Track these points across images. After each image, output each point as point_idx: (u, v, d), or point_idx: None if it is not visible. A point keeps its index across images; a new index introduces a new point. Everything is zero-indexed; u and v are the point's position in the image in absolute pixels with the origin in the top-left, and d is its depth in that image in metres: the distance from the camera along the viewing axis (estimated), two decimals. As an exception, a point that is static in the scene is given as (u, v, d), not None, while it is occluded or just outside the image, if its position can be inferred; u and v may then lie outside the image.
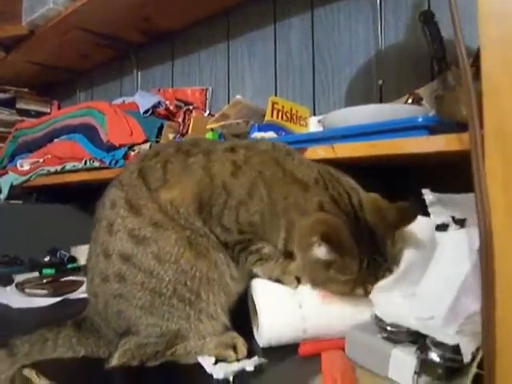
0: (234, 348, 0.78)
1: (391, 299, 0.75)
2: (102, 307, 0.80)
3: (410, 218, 0.78)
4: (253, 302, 0.85)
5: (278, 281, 0.83)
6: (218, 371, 0.72)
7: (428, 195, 0.83)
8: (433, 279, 0.74)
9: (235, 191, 0.80)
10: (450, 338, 0.62)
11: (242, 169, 0.82)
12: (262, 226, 0.81)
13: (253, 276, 0.85)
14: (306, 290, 0.82)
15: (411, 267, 0.77)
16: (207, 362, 0.75)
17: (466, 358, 0.60)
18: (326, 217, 0.76)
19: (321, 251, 0.74)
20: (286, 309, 0.81)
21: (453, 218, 0.84)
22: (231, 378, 0.71)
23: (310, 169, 0.84)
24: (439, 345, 0.63)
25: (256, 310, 0.82)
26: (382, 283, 0.76)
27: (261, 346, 0.82)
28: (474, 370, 0.58)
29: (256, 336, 0.86)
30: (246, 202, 0.80)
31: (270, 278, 0.84)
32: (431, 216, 0.83)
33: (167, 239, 0.77)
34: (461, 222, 0.83)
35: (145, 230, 0.78)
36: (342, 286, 0.78)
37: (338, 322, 0.80)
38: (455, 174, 0.80)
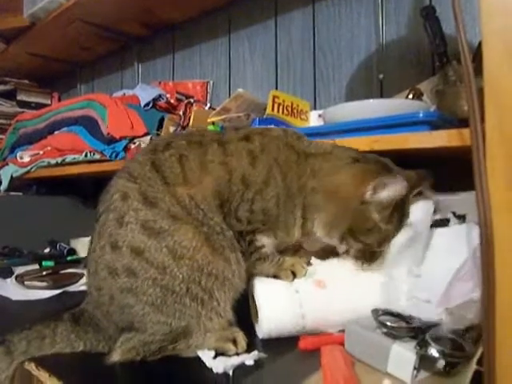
0: (234, 341, 0.78)
1: (398, 273, 0.79)
2: (107, 301, 0.78)
3: (428, 179, 0.84)
4: (252, 297, 0.86)
5: (274, 277, 0.85)
6: (218, 365, 0.72)
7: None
8: (434, 269, 0.77)
9: (252, 182, 0.81)
10: (435, 315, 0.65)
11: (259, 158, 0.83)
12: (276, 210, 0.82)
13: (253, 275, 0.86)
14: (301, 279, 0.83)
15: (410, 242, 0.81)
16: (207, 356, 0.75)
17: None
18: (374, 166, 0.80)
19: (382, 195, 0.77)
20: (284, 295, 0.81)
21: (453, 213, 0.85)
22: (231, 372, 0.71)
23: (322, 144, 0.88)
24: (439, 340, 0.63)
25: (255, 303, 0.83)
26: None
27: (261, 337, 0.82)
28: (473, 366, 0.59)
29: (256, 329, 0.86)
30: (261, 190, 0.81)
31: (267, 276, 0.85)
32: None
33: (185, 233, 0.76)
34: (461, 218, 0.84)
35: (161, 221, 0.76)
36: (374, 238, 0.80)
37: (334, 308, 0.81)
38: (456, 171, 0.80)
